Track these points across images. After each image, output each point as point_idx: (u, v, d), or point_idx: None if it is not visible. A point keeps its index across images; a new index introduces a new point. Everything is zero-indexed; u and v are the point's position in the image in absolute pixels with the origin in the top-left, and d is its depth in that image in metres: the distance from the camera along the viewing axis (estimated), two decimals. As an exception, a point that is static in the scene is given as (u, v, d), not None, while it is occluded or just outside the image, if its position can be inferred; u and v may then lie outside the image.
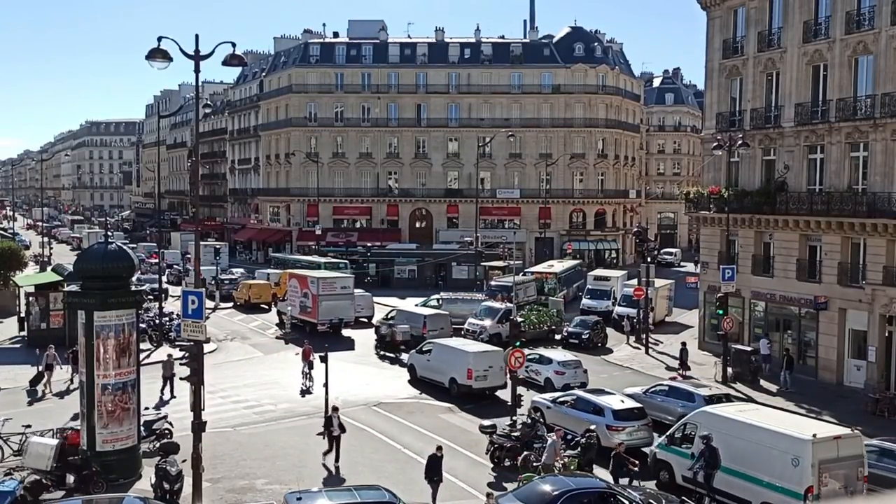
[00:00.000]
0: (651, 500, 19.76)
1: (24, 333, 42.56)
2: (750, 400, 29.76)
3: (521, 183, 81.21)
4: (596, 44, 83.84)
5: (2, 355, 38.76)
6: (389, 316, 45.14)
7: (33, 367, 34.33)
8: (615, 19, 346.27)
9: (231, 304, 56.54)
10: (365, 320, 48.23)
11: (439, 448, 21.71)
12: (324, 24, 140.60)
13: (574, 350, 42.12)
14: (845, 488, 19.46)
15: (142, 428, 23.70)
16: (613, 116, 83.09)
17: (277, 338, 45.49)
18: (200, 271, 23.29)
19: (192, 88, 35.24)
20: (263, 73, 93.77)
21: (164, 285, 51.33)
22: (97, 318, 22.10)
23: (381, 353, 40.60)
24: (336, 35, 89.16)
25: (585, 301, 52.80)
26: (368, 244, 74.49)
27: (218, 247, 76.81)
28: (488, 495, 19.70)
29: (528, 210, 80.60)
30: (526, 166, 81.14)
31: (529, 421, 25.05)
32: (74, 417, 24.30)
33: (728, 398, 28.70)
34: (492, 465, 24.21)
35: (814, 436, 19.67)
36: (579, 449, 23.49)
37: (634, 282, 46.55)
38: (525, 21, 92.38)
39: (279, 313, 49.83)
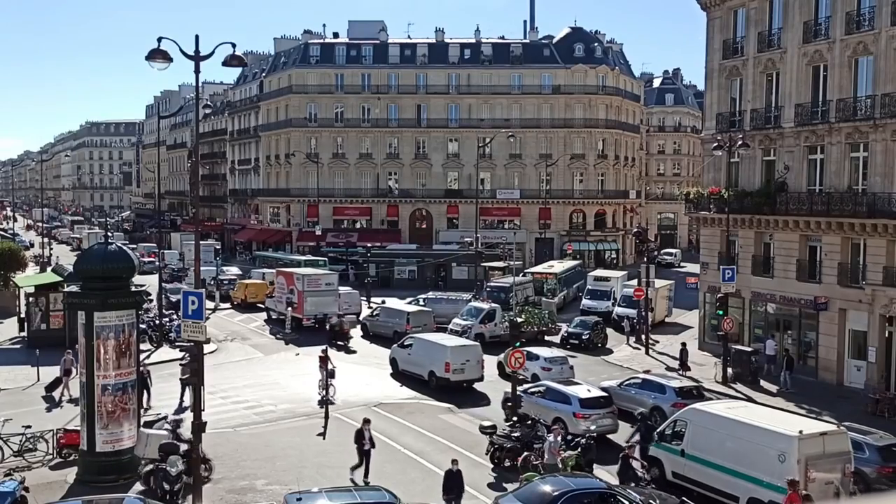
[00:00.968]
0: (652, 501, 19.74)
1: (24, 334, 42.55)
2: (750, 400, 29.73)
3: (521, 183, 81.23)
4: (596, 44, 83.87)
5: (2, 356, 38.77)
6: (374, 313, 46.61)
7: (33, 368, 34.38)
8: (615, 20, 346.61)
9: (229, 305, 56.55)
10: (353, 317, 48.88)
11: (455, 461, 20.77)
12: (324, 25, 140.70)
13: (574, 351, 42.25)
14: (831, 484, 19.68)
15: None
16: (613, 117, 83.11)
17: (277, 338, 45.48)
18: (200, 271, 23.27)
19: (192, 89, 35.26)
20: (263, 74, 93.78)
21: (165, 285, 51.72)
22: (97, 319, 22.10)
23: (333, 341, 41.91)
24: (336, 35, 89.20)
25: (585, 301, 52.82)
26: (368, 245, 74.47)
27: (217, 247, 76.80)
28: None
29: (528, 210, 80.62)
30: (526, 167, 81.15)
31: (529, 422, 25.06)
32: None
33: (699, 390, 29.89)
34: (492, 466, 24.20)
35: (800, 432, 19.96)
36: (580, 450, 23.52)
37: (634, 282, 46.56)
38: (525, 22, 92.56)
39: (267, 310, 51.50)
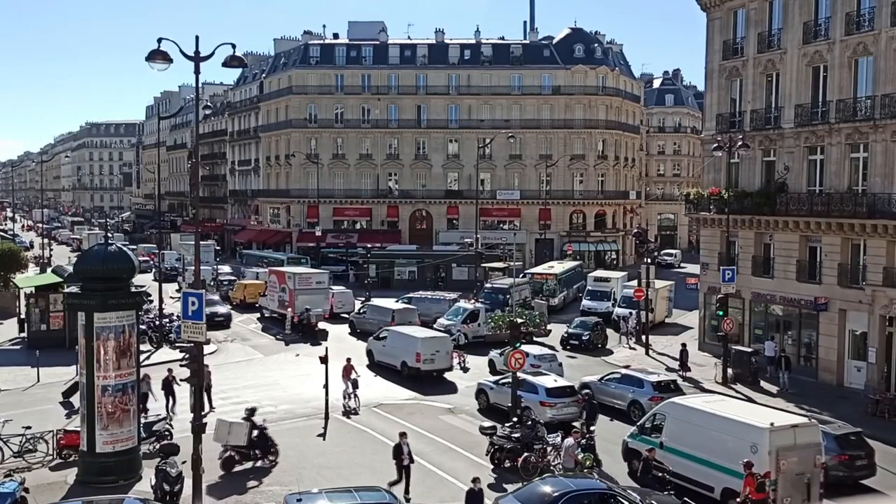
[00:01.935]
0: (653, 502, 19.74)
1: (24, 335, 42.55)
2: (750, 401, 29.74)
3: (521, 184, 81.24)
4: (596, 45, 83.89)
5: (2, 357, 38.77)
6: (361, 311, 47.72)
7: (33, 369, 34.39)
8: (615, 20, 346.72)
9: (229, 305, 56.60)
10: (346, 315, 50.43)
11: (476, 480, 19.75)
12: (324, 26, 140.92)
13: (574, 351, 42.29)
14: (803, 474, 20.25)
15: (142, 429, 23.71)
16: (613, 118, 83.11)
17: (277, 339, 45.51)
18: (200, 272, 23.25)
19: (193, 90, 35.28)
20: (263, 75, 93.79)
21: (153, 283, 53.67)
22: (97, 320, 22.08)
23: (300, 334, 44.40)
24: (336, 36, 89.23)
25: (585, 302, 52.84)
26: (368, 245, 74.37)
27: (217, 248, 76.91)
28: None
29: (528, 211, 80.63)
30: (526, 167, 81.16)
31: (529, 423, 25.06)
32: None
33: (676, 385, 31.04)
34: (492, 467, 24.20)
35: (771, 424, 20.62)
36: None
37: (634, 283, 46.56)
38: (525, 22, 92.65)
39: (261, 308, 52.50)
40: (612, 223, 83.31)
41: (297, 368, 37.91)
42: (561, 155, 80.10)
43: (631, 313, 47.61)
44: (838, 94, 34.63)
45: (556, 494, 18.51)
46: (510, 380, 28.89)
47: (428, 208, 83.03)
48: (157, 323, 42.57)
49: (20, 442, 23.93)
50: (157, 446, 23.51)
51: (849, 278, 34.70)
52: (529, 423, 24.99)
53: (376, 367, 37.92)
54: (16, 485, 19.67)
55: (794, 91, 36.74)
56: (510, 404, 27.46)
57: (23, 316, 43.49)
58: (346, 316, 50.19)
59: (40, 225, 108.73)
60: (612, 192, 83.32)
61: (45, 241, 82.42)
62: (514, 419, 25.65)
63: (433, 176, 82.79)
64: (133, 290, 24.50)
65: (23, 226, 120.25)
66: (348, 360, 31.13)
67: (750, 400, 30.27)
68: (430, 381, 35.21)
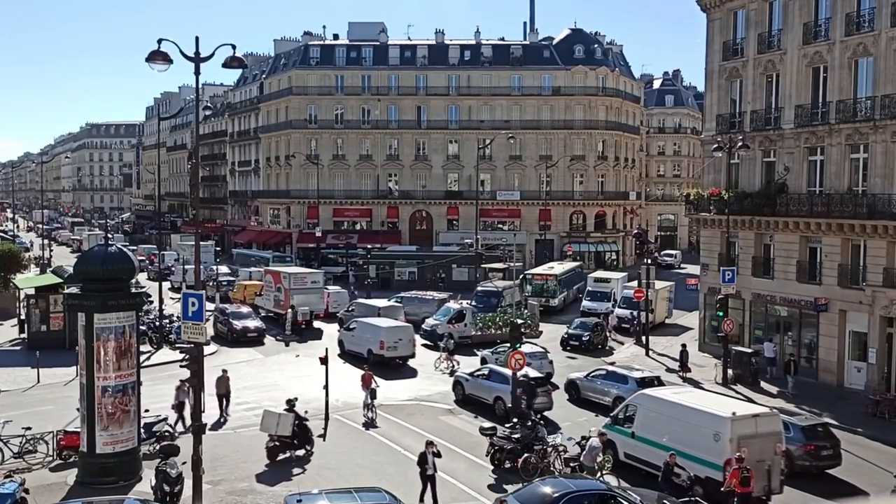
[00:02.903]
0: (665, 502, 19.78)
1: (24, 336, 42.55)
2: (749, 401, 29.71)
3: (521, 185, 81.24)
4: (596, 46, 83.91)
5: (2, 357, 38.76)
6: (350, 309, 48.14)
7: (33, 370, 34.37)
8: (615, 21, 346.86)
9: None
10: (306, 309, 50.58)
11: (502, 502, 19.51)
12: (324, 27, 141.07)
13: (574, 352, 42.28)
14: (763, 461, 21.11)
15: (142, 430, 23.70)
16: (613, 118, 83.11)
17: (277, 339, 45.50)
18: (200, 272, 23.25)
19: (193, 90, 35.27)
20: (263, 76, 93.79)
21: (147, 282, 54.57)
22: (97, 321, 22.07)
23: (293, 333, 45.72)
24: (336, 37, 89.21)
25: (586, 303, 52.83)
26: (368, 246, 74.43)
27: (217, 249, 76.96)
28: (499, 502, 19.34)
29: (528, 212, 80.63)
30: (526, 168, 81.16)
31: (530, 423, 25.07)
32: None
33: (659, 381, 31.30)
34: (492, 468, 24.20)
35: (733, 413, 21.71)
36: (580, 451, 23.55)
37: (635, 284, 46.55)
38: (525, 23, 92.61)
39: (257, 307, 52.46)
40: (612, 224, 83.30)
41: (296, 369, 37.92)
42: (561, 156, 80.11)
43: (612, 311, 48.73)
44: (838, 94, 34.63)
45: (556, 495, 18.50)
46: (485, 371, 31.57)
47: (428, 209, 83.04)
48: (158, 324, 42.56)
49: (20, 443, 23.91)
50: (158, 447, 23.51)
51: (849, 279, 34.70)
52: (529, 423, 24.99)
53: (346, 355, 40.47)
54: (16, 485, 19.66)
55: (794, 92, 36.74)
56: (483, 395, 29.85)
57: (23, 317, 43.48)
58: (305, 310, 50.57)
59: (40, 226, 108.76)
60: (612, 192, 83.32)
61: (45, 241, 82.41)
62: (515, 420, 25.65)
63: (433, 177, 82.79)
64: (133, 290, 24.50)
65: (18, 225, 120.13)
66: (366, 369, 30.61)
67: (749, 400, 30.21)
68: (393, 367, 37.98)
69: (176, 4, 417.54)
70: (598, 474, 22.06)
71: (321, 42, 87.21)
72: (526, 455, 23.43)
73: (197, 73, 19.89)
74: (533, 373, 30.82)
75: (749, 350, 37.01)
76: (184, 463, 21.04)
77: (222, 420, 29.15)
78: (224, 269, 67.44)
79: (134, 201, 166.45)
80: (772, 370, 36.41)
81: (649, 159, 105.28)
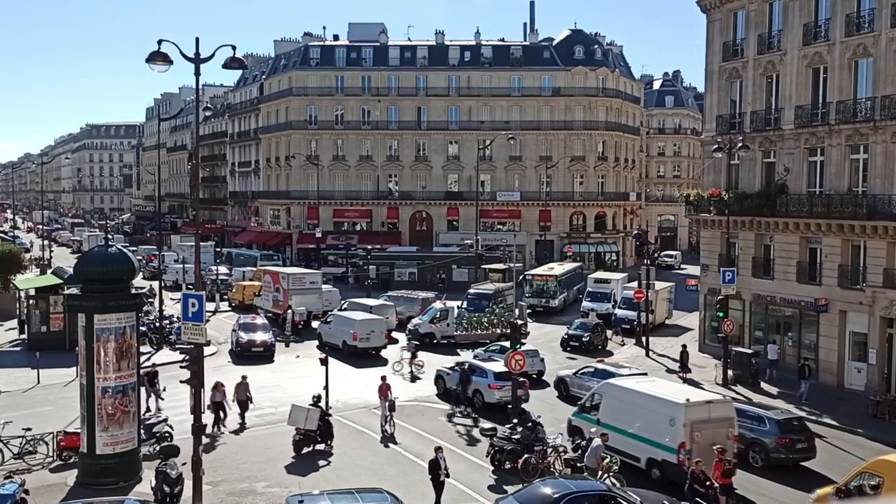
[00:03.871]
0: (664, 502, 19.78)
1: (24, 336, 42.53)
2: (749, 402, 29.71)
3: (521, 185, 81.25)
4: (596, 46, 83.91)
5: (2, 358, 38.74)
6: (343, 308, 48.49)
7: (33, 371, 34.35)
8: (615, 22, 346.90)
9: (230, 307, 56.70)
10: (302, 310, 50.80)
11: (438, 449, 21.50)
12: (324, 27, 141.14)
13: (574, 353, 42.28)
14: (716, 444, 21.90)
15: (142, 431, 23.69)
16: (613, 119, 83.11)
17: (278, 340, 45.45)
18: (199, 273, 23.25)
19: (193, 91, 35.27)
20: (263, 76, 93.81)
21: (144, 281, 55.12)
22: (97, 322, 22.09)
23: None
24: (336, 38, 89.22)
25: (586, 304, 52.82)
26: (369, 247, 74.51)
27: (217, 249, 77.06)
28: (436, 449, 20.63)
29: (528, 213, 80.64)
30: (526, 169, 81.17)
31: (530, 424, 25.07)
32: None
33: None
34: (492, 468, 24.20)
35: (687, 400, 22.92)
36: (580, 452, 23.54)
37: (635, 284, 46.54)
38: (525, 24, 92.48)
39: (256, 308, 53.01)
40: (612, 225, 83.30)
41: (296, 370, 37.91)
42: (561, 156, 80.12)
43: (593, 308, 49.35)
44: (838, 95, 34.63)
45: (556, 496, 18.50)
46: (465, 366, 32.37)
47: (428, 210, 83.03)
48: (157, 324, 42.53)
49: (20, 443, 23.92)
50: (158, 448, 23.50)
51: (849, 279, 34.69)
52: (529, 424, 25.00)
53: (323, 347, 40.17)
54: (16, 486, 19.66)
55: (794, 92, 36.74)
56: (461, 388, 31.10)
57: (23, 317, 43.46)
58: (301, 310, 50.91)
59: (40, 226, 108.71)
60: (612, 193, 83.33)
61: (45, 242, 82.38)
62: (515, 421, 25.66)
63: (433, 177, 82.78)
64: (133, 291, 24.50)
65: (16, 225, 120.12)
66: (384, 377, 29.34)
67: (749, 401, 30.22)
68: (365, 357, 40.29)
69: (176, 5, 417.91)
70: (604, 476, 21.94)
71: (321, 43, 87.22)
72: (526, 456, 23.44)
73: (197, 73, 19.90)
74: (498, 367, 31.61)
75: (749, 351, 36.98)
76: (184, 464, 21.04)
77: (243, 427, 28.31)
78: (223, 269, 67.60)
79: (134, 202, 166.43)
80: (773, 372, 36.36)
81: (649, 160, 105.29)
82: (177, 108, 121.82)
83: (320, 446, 25.93)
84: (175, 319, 41.38)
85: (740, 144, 35.84)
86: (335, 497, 18.25)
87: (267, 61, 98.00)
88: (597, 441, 22.81)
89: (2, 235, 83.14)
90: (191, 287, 28.61)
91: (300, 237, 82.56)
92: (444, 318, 44.71)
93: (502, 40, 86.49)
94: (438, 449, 21.75)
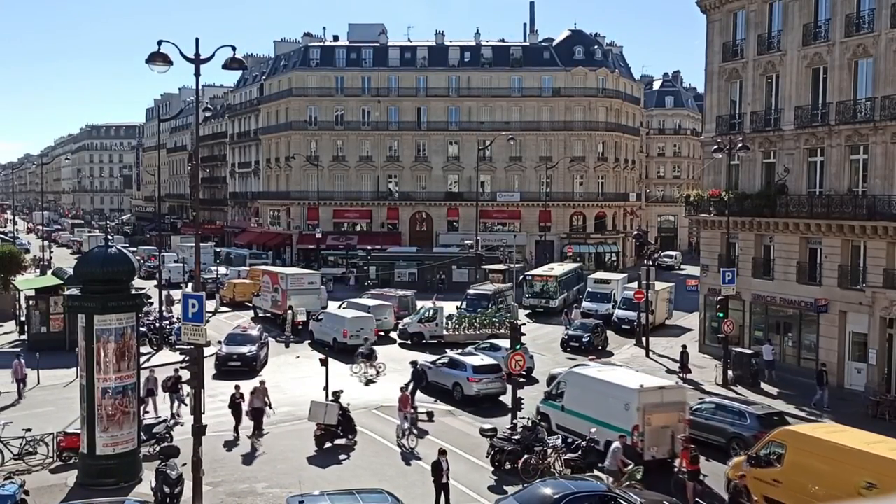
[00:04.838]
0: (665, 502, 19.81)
1: (24, 337, 42.51)
2: (748, 403, 29.71)
3: (521, 186, 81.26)
4: (596, 47, 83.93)
5: (2, 359, 38.67)
6: (341, 306, 48.67)
7: (33, 371, 34.30)
8: (615, 22, 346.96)
9: (229, 308, 56.75)
10: (303, 310, 50.75)
11: (442, 451, 21.53)
12: (324, 28, 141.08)
13: (575, 353, 42.27)
14: (668, 427, 23.86)
15: (142, 432, 23.69)
16: (613, 119, 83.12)
17: (278, 341, 45.47)
18: (200, 273, 23.23)
19: (193, 92, 35.29)
20: (263, 77, 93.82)
21: (140, 281, 53.83)
22: (97, 322, 22.09)
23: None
24: (336, 38, 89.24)
25: (586, 304, 52.82)
26: (369, 247, 74.53)
27: (217, 250, 77.16)
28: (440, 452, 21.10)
29: (528, 213, 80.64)
30: (526, 169, 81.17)
31: (530, 425, 25.08)
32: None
33: None
34: (492, 469, 24.19)
35: (640, 386, 24.53)
36: (580, 452, 23.53)
37: (635, 285, 46.54)
38: (525, 24, 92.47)
39: (254, 308, 53.59)
40: (612, 225, 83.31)
41: (296, 370, 37.89)
42: (561, 157, 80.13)
43: (575, 307, 49.60)
44: (838, 95, 34.63)
45: (556, 496, 18.50)
46: (445, 360, 34.01)
47: (428, 210, 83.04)
48: (157, 325, 42.52)
49: (20, 444, 23.91)
50: (158, 448, 23.49)
51: (849, 280, 34.69)
52: (530, 424, 25.00)
53: (314, 343, 43.30)
54: (16, 487, 19.64)
55: (794, 93, 36.74)
56: (443, 381, 32.84)
57: (23, 318, 43.44)
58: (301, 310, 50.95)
59: (40, 227, 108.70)
60: (612, 193, 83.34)
61: (45, 243, 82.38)
62: (515, 421, 25.66)
63: (433, 178, 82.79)
64: (133, 292, 24.50)
65: (14, 226, 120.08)
66: (403, 389, 28.79)
67: (748, 402, 30.19)
68: (355, 353, 39.19)
69: (176, 6, 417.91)
70: (627, 483, 21.36)
71: (321, 43, 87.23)
72: (526, 456, 23.42)
73: (197, 74, 19.89)
74: (487, 360, 33.30)
75: (749, 351, 36.99)
76: (184, 465, 21.03)
77: (262, 433, 27.47)
78: (223, 269, 67.69)
79: (134, 203, 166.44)
80: (771, 373, 36.36)
81: (649, 160, 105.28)
82: (177, 108, 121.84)
83: (341, 441, 26.27)
84: (175, 320, 41.36)
85: (740, 145, 35.84)
86: (335, 497, 18.24)
87: (267, 62, 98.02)
88: (616, 444, 22.55)
89: (2, 236, 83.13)
90: (185, 286, 28.63)
91: (300, 238, 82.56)
92: (432, 319, 44.75)
93: (502, 41, 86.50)
94: (442, 452, 21.68)
